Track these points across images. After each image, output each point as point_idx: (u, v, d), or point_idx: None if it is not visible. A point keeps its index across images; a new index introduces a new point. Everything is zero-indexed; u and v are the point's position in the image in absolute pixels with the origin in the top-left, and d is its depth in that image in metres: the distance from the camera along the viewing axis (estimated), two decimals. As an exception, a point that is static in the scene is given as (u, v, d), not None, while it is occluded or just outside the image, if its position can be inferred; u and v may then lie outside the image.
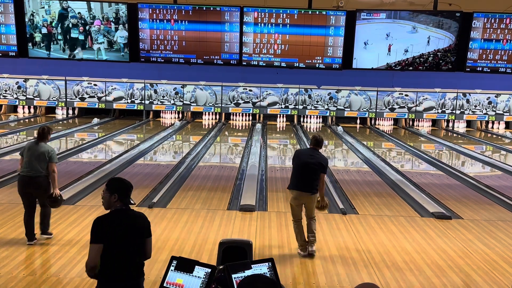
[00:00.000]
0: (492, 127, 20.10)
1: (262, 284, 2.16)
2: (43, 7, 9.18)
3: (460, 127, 20.09)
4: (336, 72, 14.11)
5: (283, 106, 19.73)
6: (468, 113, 19.85)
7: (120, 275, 3.39)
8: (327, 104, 19.73)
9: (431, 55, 9.27)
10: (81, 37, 9.33)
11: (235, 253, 3.26)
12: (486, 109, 19.79)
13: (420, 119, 20.17)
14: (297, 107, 19.73)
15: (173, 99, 19.65)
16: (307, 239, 5.87)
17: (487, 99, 19.74)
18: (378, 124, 20.05)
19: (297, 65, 9.42)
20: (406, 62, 9.38)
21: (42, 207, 6.06)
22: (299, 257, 5.81)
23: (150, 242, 3.56)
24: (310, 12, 9.21)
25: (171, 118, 19.92)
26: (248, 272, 2.63)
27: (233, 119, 20.12)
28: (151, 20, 9.27)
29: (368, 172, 11.01)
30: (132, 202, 3.53)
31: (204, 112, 20.00)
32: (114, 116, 20.10)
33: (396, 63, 9.41)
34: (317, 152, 5.94)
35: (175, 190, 8.74)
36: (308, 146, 6.41)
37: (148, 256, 3.57)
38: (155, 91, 19.64)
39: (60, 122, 18.50)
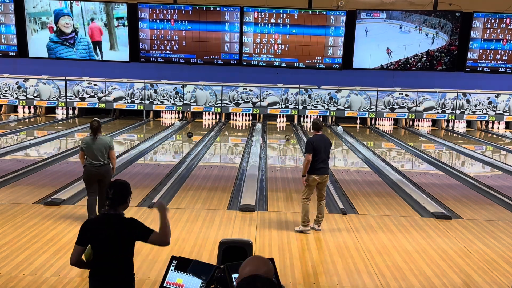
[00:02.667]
0: (492, 127, 20.09)
1: (261, 284, 2.16)
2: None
3: (460, 127, 20.08)
4: (336, 72, 14.12)
5: (283, 106, 19.73)
6: (468, 113, 19.85)
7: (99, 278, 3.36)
8: (327, 104, 19.73)
9: (425, 56, 9.28)
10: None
11: (235, 253, 3.25)
12: (486, 109, 19.79)
13: (420, 119, 20.17)
14: (297, 107, 19.73)
15: (173, 99, 19.65)
16: (315, 218, 6.77)
17: (487, 99, 19.74)
18: (378, 124, 20.04)
19: (297, 65, 9.41)
20: (399, 63, 9.38)
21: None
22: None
23: (155, 237, 3.32)
24: (310, 12, 9.20)
25: (171, 118, 19.92)
26: (248, 272, 2.63)
27: (233, 119, 20.12)
28: (151, 20, 9.26)
29: (368, 172, 11.01)
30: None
31: (204, 112, 20.00)
32: (114, 116, 20.10)
33: (389, 64, 9.42)
34: (326, 137, 6.89)
35: (175, 190, 8.74)
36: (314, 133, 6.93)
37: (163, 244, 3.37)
38: (155, 91, 19.64)
39: (60, 122, 18.50)
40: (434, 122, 20.43)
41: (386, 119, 20.02)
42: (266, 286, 2.16)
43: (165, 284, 2.73)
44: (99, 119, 7.03)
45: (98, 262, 3.33)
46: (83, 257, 3.35)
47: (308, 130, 18.20)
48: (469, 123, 20.30)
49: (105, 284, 3.34)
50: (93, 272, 3.37)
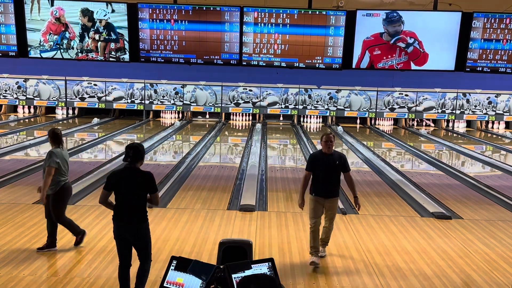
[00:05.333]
0: (492, 127, 20.11)
1: (262, 283, 2.16)
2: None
3: (460, 127, 20.10)
4: (336, 72, 14.12)
5: (283, 106, 19.74)
6: (468, 113, 19.86)
7: (121, 217, 4.33)
8: (327, 104, 19.74)
9: None
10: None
11: (235, 253, 3.26)
12: (486, 109, 19.80)
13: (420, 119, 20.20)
14: (297, 107, 19.73)
15: (173, 99, 19.66)
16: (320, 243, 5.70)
17: (487, 99, 19.75)
18: (378, 124, 20.05)
19: (297, 65, 9.41)
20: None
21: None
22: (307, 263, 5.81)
23: (153, 196, 4.39)
24: (310, 12, 9.20)
25: (171, 118, 19.93)
26: (248, 272, 2.63)
27: (233, 119, 20.13)
28: (151, 20, 9.26)
29: (368, 172, 11.01)
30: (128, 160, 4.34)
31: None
32: (114, 116, 20.11)
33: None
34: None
35: (175, 190, 8.74)
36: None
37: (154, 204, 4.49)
38: (155, 91, 19.65)
39: (60, 122, 18.50)
40: (434, 122, 20.45)
41: (386, 119, 20.03)
42: (264, 286, 2.16)
43: (165, 284, 2.73)
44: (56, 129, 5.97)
45: (119, 204, 4.32)
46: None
47: (308, 130, 18.20)
48: (469, 123, 20.32)
49: (124, 221, 4.29)
50: (115, 213, 4.33)
